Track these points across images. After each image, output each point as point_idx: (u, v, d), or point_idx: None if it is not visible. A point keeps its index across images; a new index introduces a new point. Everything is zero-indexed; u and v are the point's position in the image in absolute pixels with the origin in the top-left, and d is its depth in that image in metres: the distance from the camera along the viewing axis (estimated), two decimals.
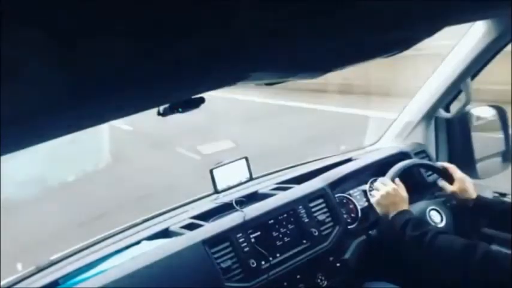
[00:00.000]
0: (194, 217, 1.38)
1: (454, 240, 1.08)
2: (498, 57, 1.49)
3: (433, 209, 1.33)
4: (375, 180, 1.54)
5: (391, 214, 1.24)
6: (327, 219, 1.37)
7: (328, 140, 3.95)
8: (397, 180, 1.33)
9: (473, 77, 1.57)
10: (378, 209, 1.29)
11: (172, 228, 1.33)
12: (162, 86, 0.38)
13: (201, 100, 0.69)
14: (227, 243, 1.20)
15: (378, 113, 4.01)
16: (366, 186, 1.54)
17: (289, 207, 1.34)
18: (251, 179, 1.46)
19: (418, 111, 1.72)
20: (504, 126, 1.65)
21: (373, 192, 1.34)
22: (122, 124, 5.27)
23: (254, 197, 1.48)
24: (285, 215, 1.33)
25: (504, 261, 0.99)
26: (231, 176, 1.41)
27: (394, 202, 1.25)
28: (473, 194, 1.29)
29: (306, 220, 1.34)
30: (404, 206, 1.24)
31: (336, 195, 1.44)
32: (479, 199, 1.28)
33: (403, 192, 1.29)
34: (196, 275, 1.14)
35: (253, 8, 0.36)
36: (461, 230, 1.34)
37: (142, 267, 1.09)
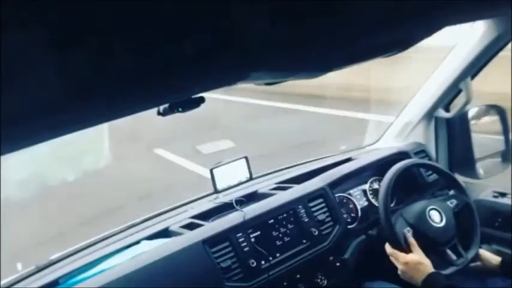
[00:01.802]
0: (194, 217, 1.38)
1: None
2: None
3: (433, 209, 1.33)
4: (375, 180, 1.55)
5: (419, 280, 1.19)
6: (327, 219, 1.37)
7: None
8: (409, 236, 1.28)
9: (473, 76, 1.57)
10: (405, 278, 1.25)
11: (172, 228, 1.33)
12: (161, 86, 0.38)
13: (201, 100, 0.69)
14: (227, 243, 1.21)
15: (375, 116, 3.98)
16: (366, 186, 1.54)
17: (289, 207, 1.34)
18: (251, 178, 1.46)
19: (417, 111, 1.72)
20: (504, 126, 1.65)
21: (393, 261, 1.28)
22: None
23: (254, 197, 1.48)
24: (285, 215, 1.33)
25: None
26: (231, 175, 1.41)
27: (418, 269, 1.21)
28: (497, 261, 1.29)
29: (306, 220, 1.34)
30: (429, 268, 1.20)
31: (336, 195, 1.44)
32: (504, 263, 1.27)
33: (418, 252, 1.24)
34: (196, 274, 1.14)
35: (253, 9, 0.36)
36: (461, 229, 1.34)
37: (142, 266, 1.09)
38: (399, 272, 1.26)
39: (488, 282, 1.33)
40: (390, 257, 1.29)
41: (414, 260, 1.22)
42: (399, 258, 1.25)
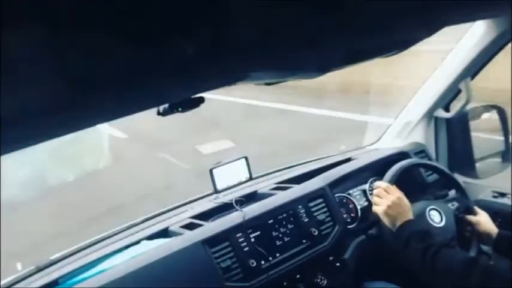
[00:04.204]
0: (194, 217, 1.38)
1: (455, 255, 1.08)
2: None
3: (432, 209, 1.33)
4: (375, 180, 1.55)
5: (397, 224, 1.20)
6: (327, 219, 1.37)
7: None
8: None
9: (473, 76, 1.57)
10: (384, 219, 1.24)
11: (172, 228, 1.33)
12: (161, 86, 0.38)
13: (201, 100, 0.69)
14: (227, 243, 1.21)
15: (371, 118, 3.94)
16: (366, 186, 1.54)
17: (289, 207, 1.34)
18: (251, 178, 1.46)
19: (417, 111, 1.72)
20: (504, 126, 1.65)
21: (376, 200, 1.29)
22: None
23: (254, 197, 1.48)
24: (285, 215, 1.33)
25: (504, 275, 0.99)
26: (231, 175, 1.41)
27: (400, 212, 1.22)
28: (494, 231, 1.28)
29: (306, 220, 1.34)
30: (410, 215, 1.22)
31: (336, 195, 1.44)
32: (500, 235, 1.27)
33: (405, 199, 1.26)
34: (196, 274, 1.14)
35: (253, 8, 0.36)
36: (461, 229, 1.34)
37: (142, 267, 1.09)
38: (380, 211, 1.25)
39: None
40: (376, 191, 1.30)
41: (403, 203, 1.23)
42: (387, 196, 1.25)
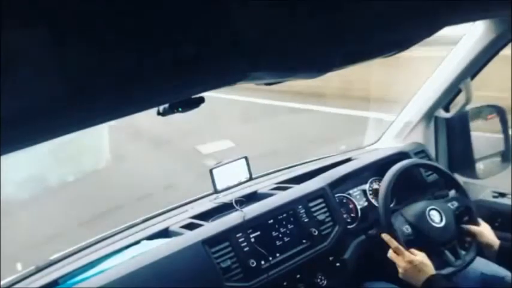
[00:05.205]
0: (194, 217, 1.38)
1: None
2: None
3: (432, 209, 1.33)
4: (375, 180, 1.55)
5: (420, 281, 1.18)
6: (327, 219, 1.37)
7: None
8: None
9: (473, 76, 1.57)
10: (405, 278, 1.23)
11: (172, 228, 1.33)
12: (161, 86, 0.38)
13: (201, 100, 0.69)
14: (227, 243, 1.21)
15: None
16: (366, 186, 1.54)
17: (289, 207, 1.34)
18: (251, 178, 1.46)
19: (417, 111, 1.72)
20: (504, 126, 1.65)
21: (395, 258, 1.25)
22: None
23: (254, 197, 1.48)
24: (285, 215, 1.33)
25: None
26: (231, 175, 1.41)
27: (420, 269, 1.19)
28: (496, 243, 1.27)
29: (306, 220, 1.34)
30: (430, 270, 1.19)
31: (336, 195, 1.44)
32: (502, 247, 1.26)
33: (419, 254, 1.23)
34: (196, 274, 1.14)
35: (253, 8, 0.36)
36: (461, 231, 1.34)
37: (142, 267, 1.09)
38: (400, 270, 1.24)
39: (487, 280, 1.33)
40: (392, 254, 1.26)
41: (418, 260, 1.21)
42: (403, 257, 1.23)
